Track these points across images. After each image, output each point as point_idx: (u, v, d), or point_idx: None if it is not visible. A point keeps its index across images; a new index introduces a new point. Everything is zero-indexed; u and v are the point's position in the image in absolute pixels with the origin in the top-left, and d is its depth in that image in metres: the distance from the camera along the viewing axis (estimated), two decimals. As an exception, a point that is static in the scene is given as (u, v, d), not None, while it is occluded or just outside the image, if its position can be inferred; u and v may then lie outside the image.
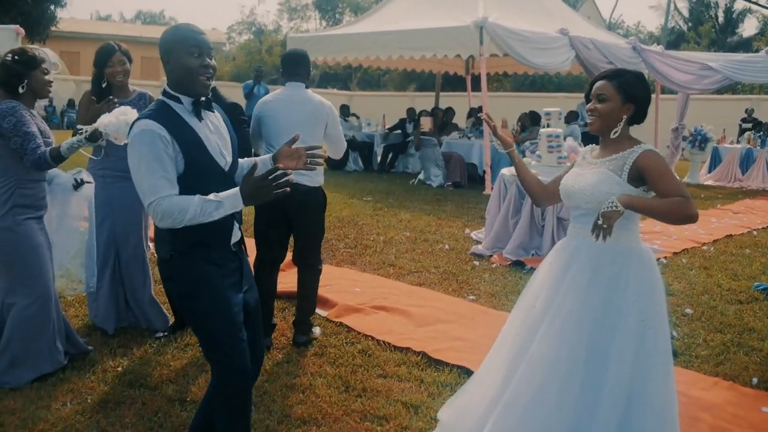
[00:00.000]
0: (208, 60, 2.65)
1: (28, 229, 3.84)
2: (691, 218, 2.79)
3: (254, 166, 2.50)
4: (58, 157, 3.76)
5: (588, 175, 2.97)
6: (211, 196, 2.50)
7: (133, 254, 4.62)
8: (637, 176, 2.86)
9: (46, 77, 3.91)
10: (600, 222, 2.74)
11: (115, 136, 3.93)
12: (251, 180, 2.47)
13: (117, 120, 3.91)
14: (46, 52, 4.04)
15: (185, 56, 2.61)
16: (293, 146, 2.96)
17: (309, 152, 2.97)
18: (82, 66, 30.62)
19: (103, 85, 4.46)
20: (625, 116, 2.93)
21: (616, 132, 2.94)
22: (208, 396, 2.87)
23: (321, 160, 3.07)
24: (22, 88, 3.83)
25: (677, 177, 2.93)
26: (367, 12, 17.45)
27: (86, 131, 3.90)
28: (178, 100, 2.67)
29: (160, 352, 4.40)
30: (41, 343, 3.93)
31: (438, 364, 4.34)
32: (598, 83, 2.98)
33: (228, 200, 2.51)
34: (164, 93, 2.70)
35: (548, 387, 2.85)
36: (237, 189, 2.50)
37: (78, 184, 4.15)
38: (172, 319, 4.79)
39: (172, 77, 2.67)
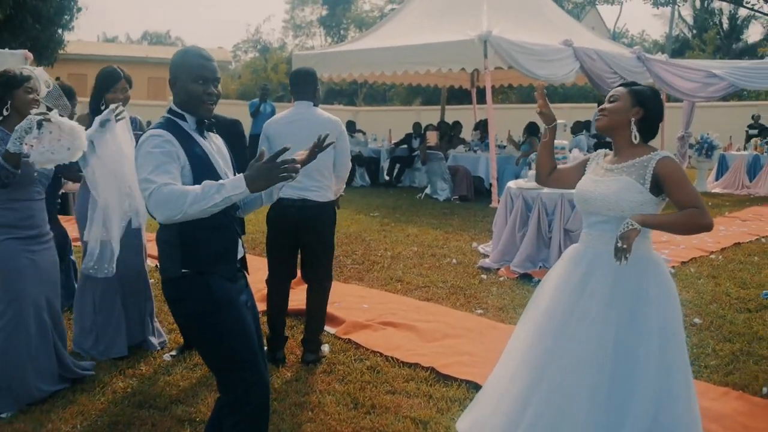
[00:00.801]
0: (213, 88, 2.71)
1: (5, 250, 3.76)
2: (706, 227, 2.88)
3: (262, 154, 2.43)
4: (9, 156, 3.52)
5: (608, 182, 3.01)
6: (211, 181, 2.42)
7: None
8: (657, 184, 2.92)
9: (30, 96, 3.84)
10: (620, 244, 2.78)
11: (32, 143, 3.57)
12: (257, 165, 2.38)
13: (63, 134, 3.65)
14: (34, 71, 3.99)
15: (191, 83, 2.68)
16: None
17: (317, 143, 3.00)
18: (90, 87, 30.77)
19: (102, 108, 4.46)
20: (633, 118, 3.00)
21: (635, 137, 3.00)
22: (215, 419, 2.82)
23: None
24: (6, 110, 3.81)
25: (692, 185, 2.98)
26: (371, 28, 17.54)
27: (36, 119, 3.56)
28: (183, 118, 2.74)
29: (168, 373, 4.42)
30: (14, 371, 3.79)
31: (446, 379, 4.34)
32: (614, 89, 3.12)
33: (230, 183, 2.39)
34: (170, 111, 2.76)
35: (579, 394, 2.89)
36: (241, 175, 2.41)
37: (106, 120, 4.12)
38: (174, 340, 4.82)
39: (177, 98, 2.75)
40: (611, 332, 2.90)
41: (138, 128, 4.70)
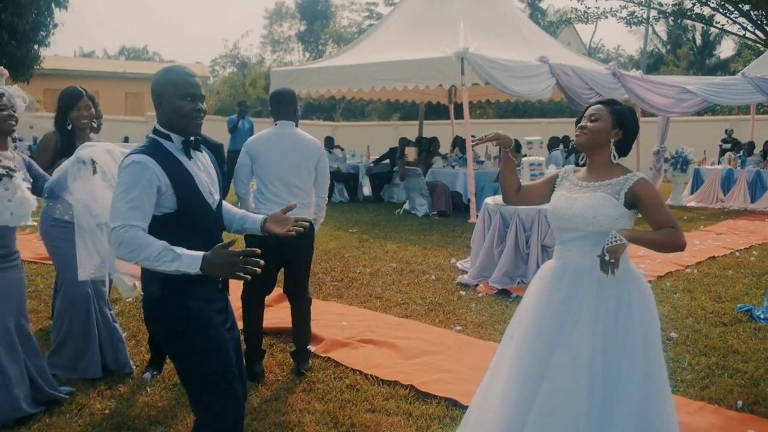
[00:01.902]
0: (200, 104, 2.73)
1: None
2: (682, 247, 2.98)
3: (231, 242, 2.49)
4: None
5: (584, 198, 3.06)
6: (174, 248, 2.48)
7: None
8: (631, 202, 3.00)
9: (5, 113, 3.86)
10: (607, 258, 2.85)
11: None
12: (222, 252, 2.46)
13: (14, 198, 3.67)
14: (7, 89, 4.00)
15: (178, 100, 2.69)
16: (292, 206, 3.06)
17: (296, 222, 3.01)
18: (66, 103, 30.51)
19: (69, 127, 4.50)
20: (613, 140, 3.06)
21: (614, 156, 3.08)
22: None
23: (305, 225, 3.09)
24: None
25: (667, 206, 3.07)
26: (349, 44, 17.59)
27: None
28: (169, 138, 2.74)
29: (147, 393, 4.39)
30: None
31: (426, 396, 4.35)
32: (594, 106, 3.15)
33: (187, 258, 2.47)
34: (155, 131, 2.76)
35: (574, 411, 2.90)
36: (201, 253, 2.47)
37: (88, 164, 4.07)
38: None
39: (163, 117, 2.74)
40: (599, 347, 2.94)
41: None
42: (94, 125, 4.80)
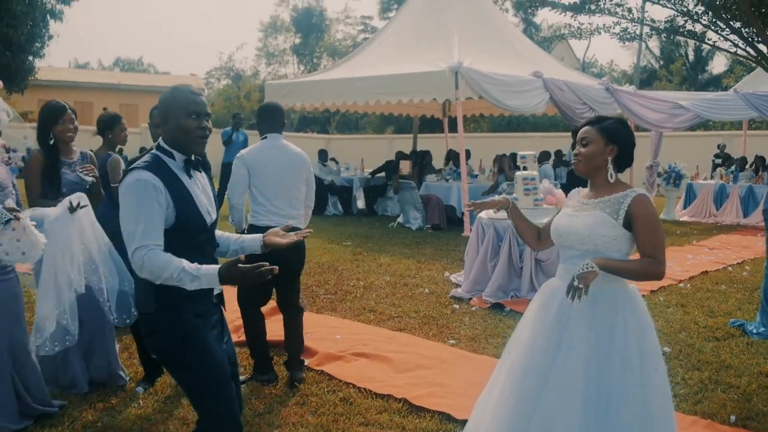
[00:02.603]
0: (205, 122, 2.75)
1: None
2: (658, 277, 2.94)
3: (239, 259, 2.54)
4: None
5: (583, 216, 3.04)
6: (192, 269, 2.55)
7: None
8: (629, 221, 2.93)
9: None
10: (576, 283, 2.80)
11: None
12: (235, 268, 2.52)
13: (24, 238, 3.61)
14: None
15: (184, 118, 2.72)
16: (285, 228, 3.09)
17: (296, 235, 3.04)
18: (61, 115, 30.50)
19: (51, 142, 4.47)
20: (609, 157, 3.01)
21: (611, 175, 3.02)
22: None
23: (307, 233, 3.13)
24: None
25: (662, 230, 2.99)
26: (344, 57, 17.65)
27: (5, 217, 3.56)
28: (172, 156, 2.77)
29: (139, 406, 4.37)
30: None
31: (419, 410, 4.34)
32: (583, 129, 3.09)
33: (205, 278, 2.56)
34: (158, 148, 2.78)
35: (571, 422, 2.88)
36: (216, 269, 2.55)
37: (73, 208, 4.10)
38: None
39: (168, 135, 2.77)
40: (594, 368, 2.91)
41: (89, 161, 4.73)
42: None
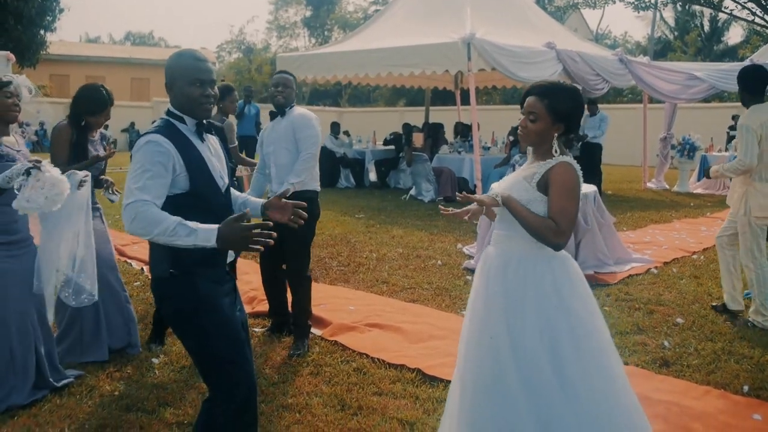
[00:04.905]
0: (210, 90, 2.74)
1: None
2: (552, 243, 2.85)
3: (244, 214, 2.48)
4: None
5: (508, 179, 3.07)
6: (190, 224, 2.48)
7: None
8: (545, 184, 2.89)
9: (10, 100, 3.89)
10: (471, 205, 2.88)
11: (30, 193, 3.58)
12: (236, 226, 2.44)
13: (45, 184, 3.62)
14: (15, 78, 4.02)
15: (187, 86, 2.71)
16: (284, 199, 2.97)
17: (295, 208, 2.95)
18: (72, 88, 30.69)
19: (82, 124, 4.59)
20: (556, 134, 2.94)
21: (556, 151, 2.93)
22: (202, 420, 2.82)
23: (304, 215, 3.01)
24: None
25: (575, 202, 2.89)
26: (355, 29, 17.52)
27: (26, 167, 3.63)
28: (182, 121, 2.76)
29: (155, 375, 4.43)
30: None
31: (432, 380, 4.38)
32: (530, 99, 2.97)
33: (203, 232, 2.47)
34: (168, 113, 2.78)
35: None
36: (216, 226, 2.47)
37: (80, 185, 4.12)
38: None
39: (175, 101, 2.77)
40: (504, 332, 2.89)
41: (107, 141, 4.95)
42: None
